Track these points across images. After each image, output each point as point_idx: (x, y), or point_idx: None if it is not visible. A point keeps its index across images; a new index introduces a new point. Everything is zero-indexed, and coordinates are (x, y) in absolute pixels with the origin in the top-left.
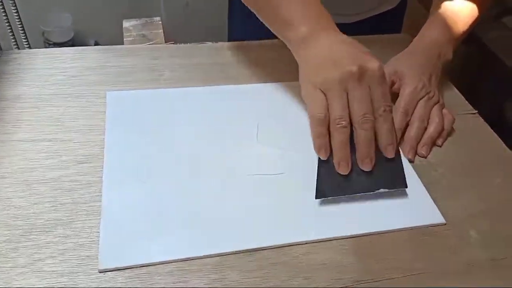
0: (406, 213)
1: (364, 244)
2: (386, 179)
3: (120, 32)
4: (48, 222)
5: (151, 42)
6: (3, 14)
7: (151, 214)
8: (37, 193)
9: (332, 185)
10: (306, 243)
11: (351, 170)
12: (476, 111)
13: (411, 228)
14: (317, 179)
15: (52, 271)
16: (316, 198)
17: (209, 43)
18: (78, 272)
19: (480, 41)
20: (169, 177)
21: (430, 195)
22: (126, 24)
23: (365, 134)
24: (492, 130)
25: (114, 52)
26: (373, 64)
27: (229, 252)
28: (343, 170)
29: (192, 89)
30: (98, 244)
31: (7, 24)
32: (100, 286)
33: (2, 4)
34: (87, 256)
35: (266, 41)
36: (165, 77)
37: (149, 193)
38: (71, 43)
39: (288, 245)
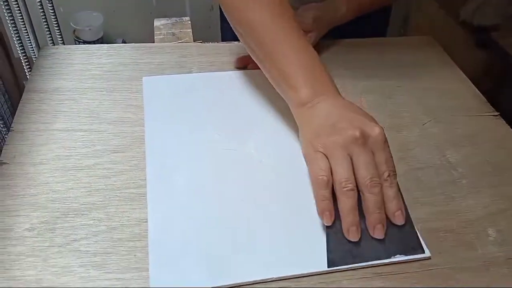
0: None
1: None
2: (400, 245)
3: (147, 32)
4: (83, 206)
5: (180, 41)
6: (41, 12)
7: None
8: (73, 179)
9: (343, 252)
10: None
11: (361, 236)
12: (498, 113)
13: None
14: (327, 246)
15: (87, 251)
16: (328, 267)
17: (236, 42)
18: (110, 253)
19: (501, 48)
20: (202, 193)
21: (449, 194)
22: (157, 23)
23: (375, 199)
24: None
25: (146, 50)
26: (375, 129)
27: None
28: (354, 236)
29: (228, 72)
30: (129, 229)
31: (44, 22)
32: (130, 266)
33: (41, 3)
34: (119, 239)
35: None
36: (193, 73)
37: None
38: (101, 42)
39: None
